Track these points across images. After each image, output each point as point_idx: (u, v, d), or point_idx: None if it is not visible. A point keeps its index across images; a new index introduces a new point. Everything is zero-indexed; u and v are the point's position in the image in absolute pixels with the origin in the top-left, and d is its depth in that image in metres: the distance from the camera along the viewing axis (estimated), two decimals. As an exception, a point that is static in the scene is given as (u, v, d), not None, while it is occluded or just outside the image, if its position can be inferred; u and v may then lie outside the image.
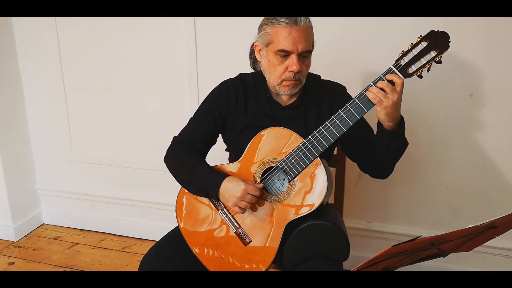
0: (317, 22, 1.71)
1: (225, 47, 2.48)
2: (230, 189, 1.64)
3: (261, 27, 1.70)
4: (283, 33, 1.61)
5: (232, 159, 1.87)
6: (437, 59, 1.56)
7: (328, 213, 1.75)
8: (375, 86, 1.55)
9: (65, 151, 2.98)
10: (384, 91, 1.53)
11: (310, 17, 1.66)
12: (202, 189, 1.71)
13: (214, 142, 1.88)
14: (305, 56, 1.66)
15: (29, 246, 2.91)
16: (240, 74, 1.88)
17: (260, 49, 1.73)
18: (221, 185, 1.65)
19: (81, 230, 3.09)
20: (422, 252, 1.35)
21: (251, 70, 2.29)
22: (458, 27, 2.06)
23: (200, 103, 2.52)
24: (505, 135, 2.22)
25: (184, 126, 1.89)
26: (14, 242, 2.95)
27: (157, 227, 2.87)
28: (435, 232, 2.41)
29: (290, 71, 1.65)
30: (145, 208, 2.92)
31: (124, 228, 2.99)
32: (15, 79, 2.89)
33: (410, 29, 2.16)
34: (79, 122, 2.89)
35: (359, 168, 1.85)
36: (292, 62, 1.63)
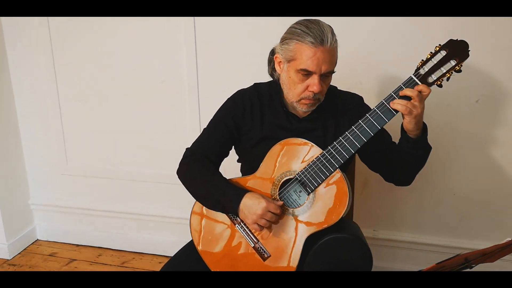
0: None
1: (227, 54, 2.44)
2: (251, 206, 1.59)
3: (283, 40, 1.64)
4: (307, 52, 1.56)
5: (245, 171, 1.83)
6: (457, 68, 1.55)
7: (348, 225, 1.72)
8: (405, 93, 1.53)
9: (60, 164, 2.89)
10: (416, 100, 1.51)
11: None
12: (220, 205, 1.66)
13: (227, 154, 1.83)
14: (327, 75, 1.62)
15: (24, 264, 2.81)
16: (255, 84, 1.84)
17: (280, 61, 1.68)
18: (241, 202, 1.60)
19: (77, 245, 3.00)
20: (455, 267, 1.32)
21: (255, 78, 2.28)
22: (463, 31, 2.06)
23: (200, 112, 2.54)
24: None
25: (197, 137, 1.83)
26: (8, 260, 2.85)
27: (156, 240, 2.82)
28: (442, 239, 2.44)
29: (310, 91, 1.61)
30: (143, 221, 2.85)
31: (122, 242, 2.91)
32: (6, 90, 2.79)
33: (414, 33, 2.18)
34: (75, 134, 2.81)
35: (384, 178, 1.81)
36: (314, 83, 1.59)
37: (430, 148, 1.65)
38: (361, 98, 1.82)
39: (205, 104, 2.53)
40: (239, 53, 2.41)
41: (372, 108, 1.58)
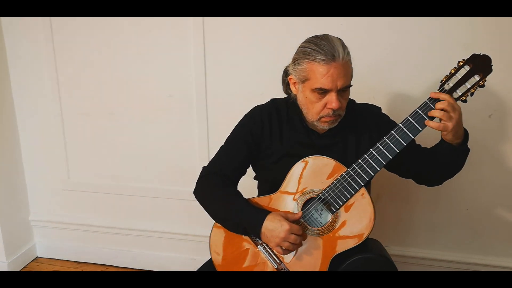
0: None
1: (236, 67, 2.40)
2: (273, 229, 1.54)
3: (295, 60, 1.62)
4: (320, 70, 1.52)
5: (264, 188, 1.79)
6: (481, 83, 1.54)
7: (371, 243, 1.68)
8: (435, 109, 1.50)
9: (62, 179, 2.82)
10: (447, 111, 1.49)
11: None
12: (241, 227, 1.61)
13: (245, 172, 1.79)
14: (344, 90, 1.58)
15: (24, 283, 2.73)
16: (272, 100, 1.80)
17: (295, 82, 1.65)
18: (263, 225, 1.55)
19: (79, 262, 2.92)
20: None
21: (265, 93, 2.24)
22: (473, 46, 2.05)
23: (209, 127, 2.50)
24: (527, 155, 2.21)
25: (214, 155, 1.79)
26: (8, 278, 2.76)
27: (161, 257, 2.76)
28: (455, 255, 2.41)
29: (330, 108, 1.57)
30: (148, 237, 2.78)
31: (126, 260, 2.84)
32: (8, 103, 2.72)
33: (424, 50, 2.16)
34: (78, 149, 2.74)
35: (415, 181, 1.79)
36: (332, 100, 1.55)
37: (469, 150, 1.63)
38: (379, 109, 1.79)
39: (213, 119, 2.48)
40: (249, 67, 2.38)
41: (397, 124, 1.55)
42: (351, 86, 1.60)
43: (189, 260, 2.70)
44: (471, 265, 2.40)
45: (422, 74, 2.20)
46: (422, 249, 2.46)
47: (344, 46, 1.55)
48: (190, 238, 2.68)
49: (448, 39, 2.13)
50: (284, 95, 1.81)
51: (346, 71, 1.55)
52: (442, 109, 1.49)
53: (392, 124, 1.75)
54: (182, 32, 2.40)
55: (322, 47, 1.52)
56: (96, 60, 2.56)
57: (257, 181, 1.87)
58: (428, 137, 1.69)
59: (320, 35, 1.60)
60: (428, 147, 1.72)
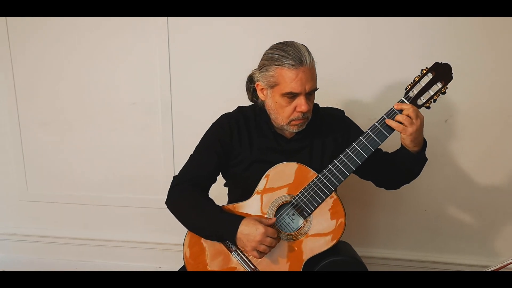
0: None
1: (202, 74, 2.41)
2: (249, 233, 1.56)
3: (262, 67, 1.65)
4: (289, 75, 1.57)
5: (234, 195, 1.81)
6: (443, 90, 1.61)
7: (341, 246, 1.73)
8: (399, 114, 1.57)
9: (20, 190, 2.74)
10: (408, 117, 1.55)
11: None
12: (216, 234, 1.62)
13: (215, 180, 1.80)
14: (311, 94, 1.64)
15: (-19, 299, 2.62)
16: (239, 108, 1.83)
17: (263, 88, 1.68)
18: (238, 230, 1.57)
19: (38, 275, 2.83)
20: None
21: (230, 99, 2.26)
22: (431, 55, 2.15)
23: (174, 135, 2.49)
24: (478, 159, 2.34)
25: (184, 164, 1.78)
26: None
27: (125, 267, 2.72)
28: (415, 254, 2.51)
29: (299, 111, 1.62)
30: (111, 248, 2.73)
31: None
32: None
33: (386, 58, 2.25)
34: (36, 159, 2.67)
35: (375, 184, 1.86)
36: (301, 103, 1.60)
37: (426, 159, 1.70)
38: (342, 112, 1.85)
39: (178, 126, 2.48)
40: (215, 73, 2.39)
41: (365, 131, 1.61)
42: (317, 89, 1.65)
43: (154, 269, 2.67)
44: (430, 263, 2.50)
45: (385, 81, 2.29)
46: (383, 250, 2.54)
47: (309, 52, 1.60)
48: (155, 247, 2.66)
49: (408, 47, 2.24)
50: (249, 103, 1.84)
51: (313, 75, 1.61)
52: (406, 115, 1.56)
53: (355, 128, 1.82)
54: (146, 35, 2.39)
55: (289, 53, 1.57)
56: (54, 67, 2.51)
57: (227, 188, 1.89)
58: (396, 144, 1.76)
59: (284, 41, 1.65)
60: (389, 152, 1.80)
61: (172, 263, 2.55)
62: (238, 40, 2.33)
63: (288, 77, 1.57)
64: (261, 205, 1.65)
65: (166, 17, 2.34)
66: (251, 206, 1.66)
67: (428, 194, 2.42)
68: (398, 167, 1.70)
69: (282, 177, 1.64)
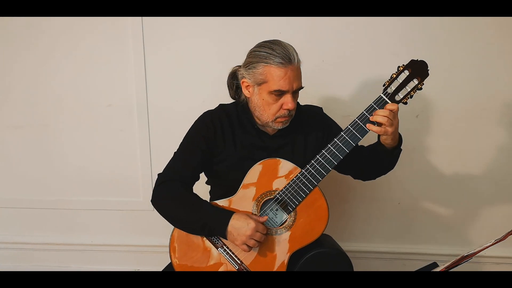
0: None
1: (178, 73, 2.42)
2: (240, 227, 1.59)
3: (249, 64, 1.67)
4: (278, 73, 1.60)
5: (217, 192, 1.83)
6: (420, 86, 1.67)
7: (324, 238, 1.77)
8: (378, 115, 1.61)
9: (-8, 196, 2.67)
10: (389, 118, 1.60)
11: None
12: (206, 229, 1.63)
13: (199, 177, 1.82)
14: (296, 91, 1.68)
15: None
16: (221, 105, 1.85)
17: (248, 85, 1.70)
18: (229, 224, 1.60)
19: (12, 283, 2.77)
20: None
21: (208, 98, 2.28)
22: (404, 53, 2.22)
23: (150, 136, 2.48)
24: (450, 152, 2.43)
25: (168, 162, 1.79)
26: None
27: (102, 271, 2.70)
28: (389, 246, 2.58)
29: (285, 109, 1.66)
30: (88, 252, 2.70)
31: (64, 276, 2.74)
32: None
33: (363, 55, 2.31)
34: (8, 164, 2.62)
35: (352, 177, 1.92)
36: (288, 101, 1.64)
37: (401, 150, 1.76)
38: (321, 109, 1.90)
39: (155, 127, 2.48)
40: (190, 73, 2.40)
41: (346, 127, 1.65)
42: (302, 87, 1.69)
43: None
44: (404, 254, 2.58)
45: (359, 78, 2.36)
46: (359, 243, 2.60)
47: (295, 51, 1.65)
48: (134, 249, 2.64)
49: (381, 44, 2.31)
50: (223, 101, 1.87)
51: (299, 74, 1.66)
52: (385, 116, 1.60)
53: (334, 124, 1.87)
54: (121, 36, 2.38)
55: (277, 51, 1.61)
56: (28, 67, 2.47)
57: (209, 186, 1.91)
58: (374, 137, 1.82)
59: (271, 40, 1.69)
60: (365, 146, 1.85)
61: (152, 265, 2.54)
62: (213, 40, 2.35)
63: (277, 75, 1.61)
64: (246, 201, 1.68)
65: (140, 17, 2.33)
66: (236, 202, 1.68)
67: (401, 188, 2.50)
68: (376, 161, 1.76)
69: (266, 173, 1.68)
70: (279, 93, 1.63)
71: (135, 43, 2.37)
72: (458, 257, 1.29)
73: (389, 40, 2.29)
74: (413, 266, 2.57)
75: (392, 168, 1.83)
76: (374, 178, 1.92)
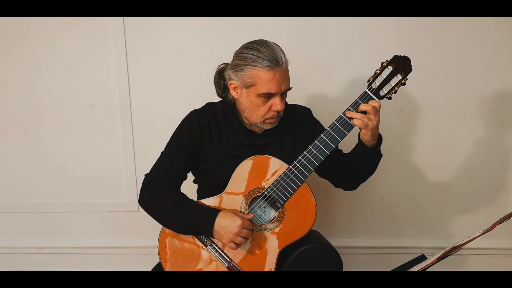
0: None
1: (161, 72, 2.40)
2: (226, 225, 1.59)
3: (236, 67, 1.66)
4: (266, 76, 1.60)
5: (205, 191, 1.82)
6: (403, 81, 1.69)
7: (314, 235, 1.78)
8: (357, 111, 1.62)
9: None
10: (370, 114, 1.61)
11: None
12: (193, 228, 1.63)
13: (186, 177, 1.81)
14: (285, 92, 1.68)
15: None
16: (208, 104, 1.84)
17: (236, 87, 1.70)
18: (215, 222, 1.59)
19: (-6, 288, 2.72)
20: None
21: (191, 96, 2.27)
22: (389, 50, 2.24)
23: (134, 136, 2.46)
24: (432, 147, 2.47)
25: (155, 162, 1.78)
26: None
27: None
28: (374, 241, 2.60)
29: (274, 111, 1.66)
30: (73, 255, 2.66)
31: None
32: None
33: (345, 52, 2.33)
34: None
35: (334, 184, 1.91)
36: (277, 102, 1.64)
37: (381, 155, 1.77)
38: (309, 110, 1.91)
39: (139, 127, 2.46)
40: (174, 72, 2.39)
41: (332, 122, 1.66)
42: (291, 88, 1.70)
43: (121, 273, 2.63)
44: (388, 249, 2.62)
45: (342, 76, 2.38)
46: (344, 238, 2.62)
47: (283, 52, 1.64)
48: (118, 251, 2.62)
49: (364, 43, 2.33)
50: (207, 100, 1.86)
51: (287, 75, 1.66)
52: (365, 111, 1.62)
53: (321, 126, 1.89)
54: (102, 35, 2.35)
55: (264, 54, 1.59)
56: (8, 68, 2.42)
57: (196, 185, 1.91)
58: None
59: (257, 40, 1.67)
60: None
61: (136, 267, 2.53)
62: (196, 39, 2.34)
63: (265, 78, 1.60)
64: (235, 199, 1.68)
65: (122, 17, 2.31)
66: (224, 200, 1.68)
67: (385, 183, 2.53)
68: (357, 163, 1.75)
69: (255, 170, 1.68)
70: (268, 96, 1.64)
71: (117, 43, 2.34)
72: (448, 248, 1.31)
73: (372, 38, 2.32)
74: (398, 259, 2.60)
75: (372, 173, 1.82)
76: (355, 186, 1.90)
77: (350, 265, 2.62)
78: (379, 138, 1.72)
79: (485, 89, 2.38)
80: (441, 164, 2.50)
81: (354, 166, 1.77)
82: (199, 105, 1.86)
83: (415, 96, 2.39)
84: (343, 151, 1.87)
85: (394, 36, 2.31)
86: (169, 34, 2.35)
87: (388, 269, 2.58)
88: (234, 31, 2.30)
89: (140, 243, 2.56)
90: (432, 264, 1.29)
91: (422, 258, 1.60)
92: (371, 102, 1.64)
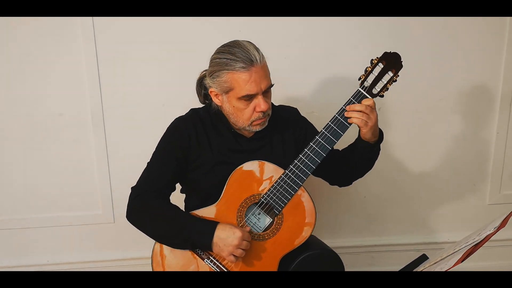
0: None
1: (134, 77, 2.28)
2: (226, 238, 1.52)
3: (212, 73, 1.60)
4: (243, 78, 1.54)
5: (194, 200, 1.74)
6: (395, 78, 1.66)
7: (312, 240, 1.74)
8: (355, 111, 1.58)
9: None
10: (366, 113, 1.58)
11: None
12: (189, 242, 1.55)
13: (175, 188, 1.73)
14: (267, 91, 1.62)
15: None
16: (193, 110, 1.77)
17: (217, 94, 1.63)
18: (214, 235, 1.52)
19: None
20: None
21: (166, 102, 2.18)
22: (364, 49, 2.23)
23: (107, 145, 2.34)
24: (411, 144, 2.47)
25: (142, 173, 1.69)
26: None
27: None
28: (355, 240, 2.60)
29: (259, 111, 1.60)
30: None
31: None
32: None
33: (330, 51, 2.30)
34: None
35: (329, 182, 1.88)
36: (260, 103, 1.58)
37: (380, 149, 1.74)
38: (296, 110, 1.87)
39: (112, 136, 2.33)
40: (148, 77, 2.28)
41: (326, 124, 1.62)
42: (273, 85, 1.64)
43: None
44: (370, 247, 2.61)
45: (325, 75, 2.34)
46: (326, 239, 2.53)
47: (257, 49, 1.58)
48: (94, 266, 2.48)
49: (344, 41, 2.30)
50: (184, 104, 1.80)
51: (266, 72, 1.59)
52: (361, 111, 1.58)
53: (310, 125, 1.84)
54: (70, 38, 2.21)
55: (237, 55, 1.54)
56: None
57: (183, 195, 1.83)
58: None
59: (229, 42, 1.62)
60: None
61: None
62: (172, 41, 2.25)
63: (242, 80, 1.54)
64: (231, 208, 1.61)
65: (91, 17, 2.18)
66: (219, 210, 1.62)
67: (366, 181, 2.50)
68: (356, 159, 1.72)
69: (248, 177, 1.62)
70: (249, 97, 1.57)
71: (86, 46, 2.21)
72: (469, 248, 1.28)
73: (349, 37, 2.29)
74: (381, 257, 2.62)
75: (370, 168, 1.80)
76: (350, 182, 1.88)
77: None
78: (380, 134, 1.69)
79: (461, 85, 2.40)
80: (420, 160, 2.51)
81: (352, 162, 1.73)
82: (176, 109, 1.79)
83: (393, 93, 2.37)
84: (338, 148, 1.82)
85: (371, 34, 2.30)
86: (142, 36, 2.23)
87: (372, 268, 2.61)
88: (210, 32, 2.22)
89: (118, 256, 2.44)
90: (456, 265, 1.26)
91: (424, 258, 1.58)
92: (364, 101, 1.60)
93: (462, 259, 1.23)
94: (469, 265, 2.58)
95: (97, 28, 2.21)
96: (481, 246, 1.26)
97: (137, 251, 2.42)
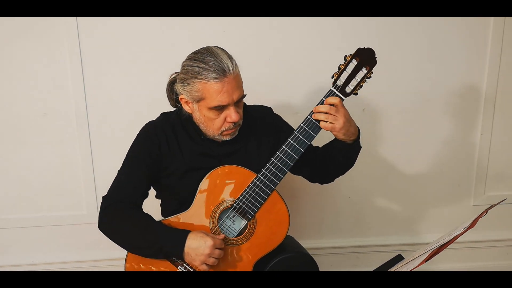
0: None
1: (119, 78, 2.29)
2: (197, 247, 1.51)
3: (183, 80, 1.57)
4: (215, 88, 1.51)
5: (169, 206, 1.74)
6: (369, 75, 1.61)
7: (287, 242, 1.72)
8: (321, 112, 1.55)
9: None
10: (331, 114, 1.54)
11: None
12: (162, 252, 1.55)
13: (148, 194, 1.71)
14: (239, 101, 1.59)
15: None
16: (164, 114, 1.75)
17: (187, 101, 1.60)
18: (185, 245, 1.51)
19: None
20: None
21: (152, 101, 2.18)
22: (349, 49, 2.22)
23: (92, 145, 2.34)
24: (397, 145, 2.48)
25: (113, 182, 1.67)
26: None
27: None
28: (340, 240, 2.60)
29: (230, 122, 1.57)
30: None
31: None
32: None
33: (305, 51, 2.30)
34: None
35: (309, 180, 1.85)
36: (231, 113, 1.56)
37: (360, 148, 1.70)
38: (270, 109, 1.83)
39: (97, 136, 2.35)
40: (133, 76, 2.29)
41: (299, 125, 1.60)
42: (245, 95, 1.61)
43: None
44: (355, 248, 2.61)
45: (307, 75, 2.33)
46: (311, 240, 2.58)
47: (230, 58, 1.55)
48: (79, 266, 2.49)
49: (328, 41, 2.30)
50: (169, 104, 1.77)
51: (239, 82, 1.56)
52: (326, 112, 1.54)
53: (285, 124, 1.81)
54: (53, 38, 2.22)
55: (210, 64, 1.50)
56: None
57: (159, 200, 1.83)
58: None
59: (202, 49, 1.58)
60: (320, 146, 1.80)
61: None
62: (156, 41, 2.25)
63: (214, 90, 1.51)
64: (204, 213, 1.61)
65: (75, 17, 2.18)
66: (192, 216, 1.61)
67: (351, 182, 2.51)
68: (335, 159, 1.69)
69: (221, 182, 1.62)
70: (220, 108, 1.54)
71: (70, 46, 2.21)
72: (434, 248, 1.28)
73: (334, 37, 2.29)
74: (366, 258, 2.62)
75: (351, 166, 1.77)
76: (332, 179, 1.84)
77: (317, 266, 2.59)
78: (357, 131, 1.64)
79: (448, 86, 2.40)
80: (406, 161, 2.51)
81: (332, 161, 1.70)
82: (160, 110, 1.79)
83: (377, 93, 2.38)
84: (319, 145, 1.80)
85: (356, 34, 2.29)
86: (126, 36, 2.23)
87: (357, 269, 2.61)
88: (193, 32, 2.22)
89: (103, 255, 2.45)
90: (420, 265, 1.26)
91: (399, 258, 1.58)
92: (328, 100, 1.55)
93: (426, 259, 1.23)
94: (469, 265, 2.61)
95: (81, 28, 2.21)
96: (446, 247, 1.26)
97: (121, 252, 2.39)
